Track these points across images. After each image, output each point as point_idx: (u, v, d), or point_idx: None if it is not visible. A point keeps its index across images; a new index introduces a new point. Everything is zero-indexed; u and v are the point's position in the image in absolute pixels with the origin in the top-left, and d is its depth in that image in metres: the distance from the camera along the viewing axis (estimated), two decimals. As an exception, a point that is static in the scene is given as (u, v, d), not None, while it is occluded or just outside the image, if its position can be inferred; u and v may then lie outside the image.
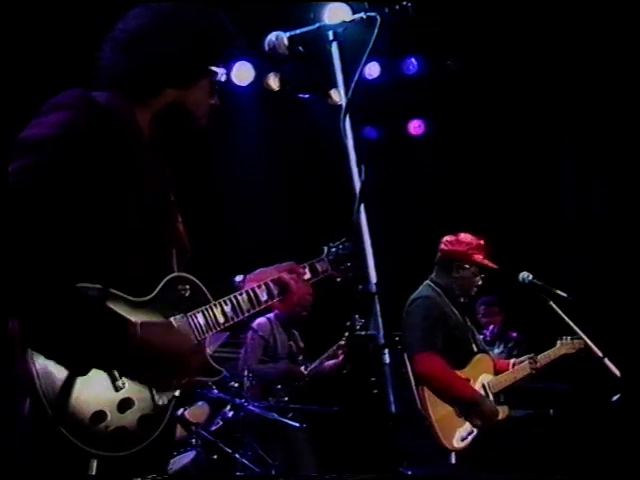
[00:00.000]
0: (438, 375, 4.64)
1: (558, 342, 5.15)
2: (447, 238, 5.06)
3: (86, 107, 2.09)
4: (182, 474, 4.84)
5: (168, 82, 2.25)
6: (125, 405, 2.05)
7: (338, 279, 2.75)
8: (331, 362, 6.41)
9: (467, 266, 4.94)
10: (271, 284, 2.51)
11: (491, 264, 4.96)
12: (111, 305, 2.03)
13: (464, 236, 5.03)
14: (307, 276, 2.66)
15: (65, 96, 2.10)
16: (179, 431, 4.92)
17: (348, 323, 6.33)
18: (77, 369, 1.96)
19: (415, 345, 4.69)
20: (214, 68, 2.31)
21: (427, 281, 5.01)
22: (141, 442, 2.06)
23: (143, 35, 2.22)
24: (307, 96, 7.79)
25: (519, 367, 5.02)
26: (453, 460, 4.56)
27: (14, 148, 1.98)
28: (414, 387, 4.62)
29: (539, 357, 5.10)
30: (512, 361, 5.14)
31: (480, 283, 5.00)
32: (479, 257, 4.95)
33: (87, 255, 2.04)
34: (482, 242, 5.02)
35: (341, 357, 6.39)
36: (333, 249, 2.78)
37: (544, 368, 5.08)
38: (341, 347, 6.38)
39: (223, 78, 2.34)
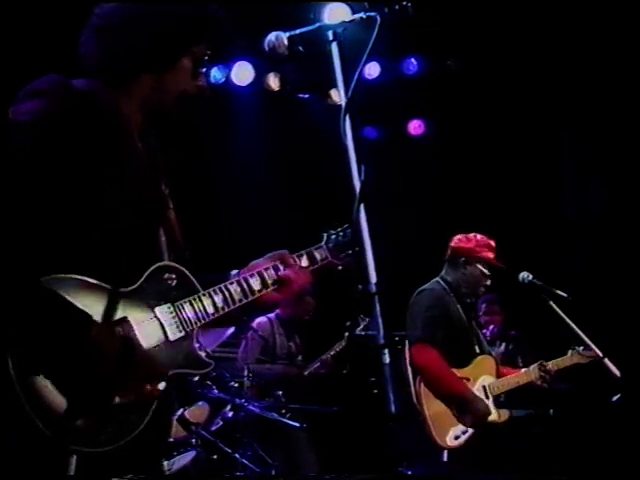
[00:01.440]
0: (432, 367, 4.65)
1: (569, 351, 5.02)
2: (458, 236, 5.07)
3: (61, 93, 2.04)
4: (182, 474, 4.83)
5: (143, 66, 2.18)
6: None
7: (339, 267, 2.64)
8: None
9: (475, 263, 4.94)
10: (265, 274, 2.39)
11: (499, 263, 4.95)
12: (94, 296, 1.96)
13: (474, 235, 5.04)
14: (305, 264, 2.53)
15: (40, 82, 2.06)
16: (179, 431, 4.91)
17: (348, 323, 6.35)
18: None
19: (414, 335, 4.72)
20: (197, 49, 2.24)
21: (437, 277, 5.03)
22: (124, 436, 1.95)
23: (116, 19, 2.16)
24: (307, 96, 7.78)
25: (524, 372, 4.99)
26: (445, 458, 4.56)
27: None
28: (411, 380, 4.63)
29: (549, 364, 5.01)
30: (523, 370, 5.05)
31: (488, 284, 4.99)
32: (487, 255, 4.94)
33: (67, 244, 1.98)
34: (492, 243, 5.01)
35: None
36: (333, 236, 2.65)
37: (553, 376, 5.04)
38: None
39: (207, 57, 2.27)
